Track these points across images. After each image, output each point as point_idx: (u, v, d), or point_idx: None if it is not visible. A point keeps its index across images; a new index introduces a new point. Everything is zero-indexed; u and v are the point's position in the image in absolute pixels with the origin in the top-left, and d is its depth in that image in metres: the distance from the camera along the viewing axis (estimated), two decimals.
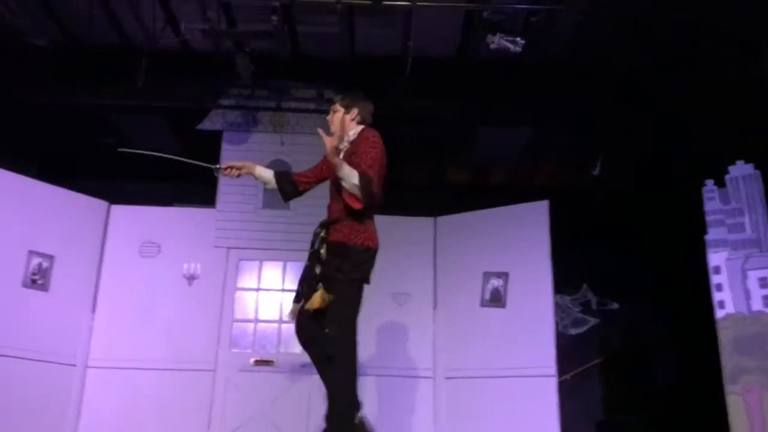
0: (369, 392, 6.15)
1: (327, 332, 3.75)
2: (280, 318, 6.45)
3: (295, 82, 6.93)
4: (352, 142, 4.07)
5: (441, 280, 6.57)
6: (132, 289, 6.36)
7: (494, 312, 6.24)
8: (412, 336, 6.39)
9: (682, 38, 5.79)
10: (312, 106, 6.90)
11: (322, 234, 3.93)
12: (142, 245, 6.52)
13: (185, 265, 6.45)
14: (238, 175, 4.32)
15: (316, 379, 6.08)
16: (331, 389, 3.74)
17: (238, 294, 6.52)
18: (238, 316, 6.46)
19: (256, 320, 6.47)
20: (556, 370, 5.83)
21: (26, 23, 5.68)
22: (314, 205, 6.58)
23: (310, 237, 6.47)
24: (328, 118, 4.23)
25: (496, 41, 5.58)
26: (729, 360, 5.48)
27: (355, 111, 4.17)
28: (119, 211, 6.62)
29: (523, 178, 8.34)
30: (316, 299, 3.78)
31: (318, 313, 3.80)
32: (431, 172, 8.32)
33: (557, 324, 6.38)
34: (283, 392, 6.17)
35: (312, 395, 6.13)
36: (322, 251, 3.88)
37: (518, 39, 5.52)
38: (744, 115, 5.77)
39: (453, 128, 7.34)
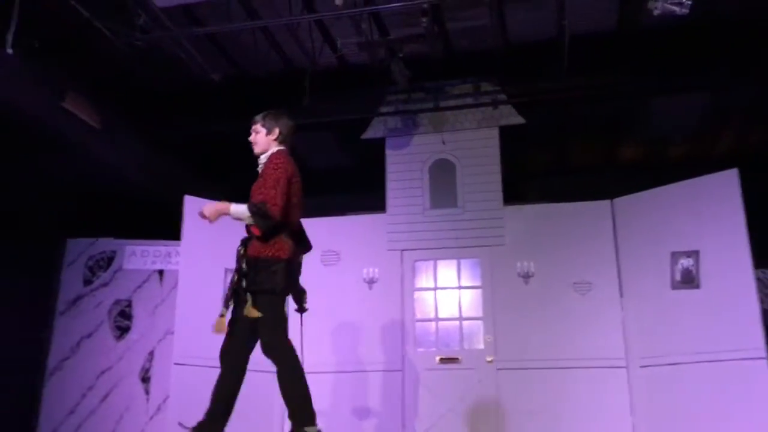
0: (559, 385, 6.02)
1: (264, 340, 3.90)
2: (460, 315, 6.49)
3: (450, 79, 6.94)
4: (264, 164, 4.14)
5: (625, 265, 6.25)
6: (318, 296, 6.68)
7: (687, 294, 5.83)
8: (599, 325, 6.14)
9: None
10: (470, 100, 6.88)
11: (241, 251, 4.03)
12: (323, 254, 6.85)
13: (364, 270, 6.68)
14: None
15: (503, 374, 6.10)
16: (286, 398, 3.89)
17: (417, 294, 6.64)
18: (419, 315, 6.58)
19: (437, 319, 6.56)
20: (766, 351, 5.32)
21: (201, 62, 6.20)
22: (482, 200, 6.60)
23: (480, 233, 6.57)
24: (251, 138, 4.22)
25: (659, 6, 5.20)
26: None
27: (276, 131, 4.18)
28: None
29: (705, 148, 7.73)
30: (249, 309, 3.82)
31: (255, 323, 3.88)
32: (603, 153, 7.96)
33: (762, 301, 5.80)
34: (471, 388, 6.20)
35: (501, 390, 6.11)
36: (243, 266, 3.96)
37: (684, 0, 5.11)
38: None
39: (622, 104, 6.98)
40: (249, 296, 3.85)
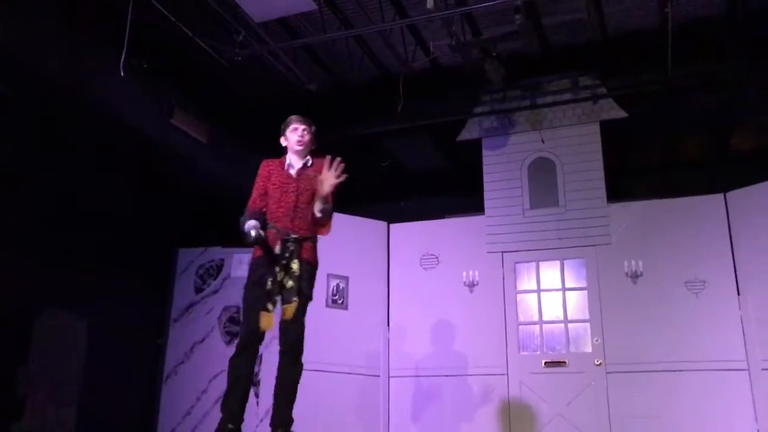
0: (673, 388, 5.74)
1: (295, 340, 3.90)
2: (565, 317, 6.31)
3: (547, 75, 6.78)
4: (311, 166, 4.12)
5: (741, 262, 5.88)
6: (419, 300, 6.72)
7: None
8: (715, 325, 5.79)
9: None
10: (569, 96, 6.69)
11: (292, 248, 3.85)
12: (422, 258, 6.86)
13: (464, 273, 6.64)
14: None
15: (611, 377, 5.88)
16: (289, 396, 3.94)
17: (520, 297, 6.52)
18: (522, 318, 6.45)
19: (541, 321, 6.40)
20: None
21: (298, 72, 6.36)
22: (584, 198, 6.41)
23: (584, 232, 6.37)
24: (306, 139, 4.12)
25: None
26: None
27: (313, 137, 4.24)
28: (397, 229, 7.06)
29: None
30: (290, 310, 3.75)
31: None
32: (713, 144, 7.54)
33: None
34: (578, 392, 6.01)
35: (611, 394, 5.89)
36: (295, 266, 3.82)
37: None
38: None
39: (732, 91, 6.60)
40: (297, 299, 3.83)
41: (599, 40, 6.27)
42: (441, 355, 6.50)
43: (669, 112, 6.98)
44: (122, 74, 5.32)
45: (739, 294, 5.82)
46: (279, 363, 3.97)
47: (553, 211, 6.52)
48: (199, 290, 7.27)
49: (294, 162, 4.15)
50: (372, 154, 7.99)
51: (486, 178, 6.86)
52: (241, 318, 3.94)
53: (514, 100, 6.89)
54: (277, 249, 3.83)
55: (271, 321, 3.75)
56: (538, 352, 6.31)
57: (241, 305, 4.21)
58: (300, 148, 4.14)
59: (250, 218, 3.88)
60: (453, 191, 7.88)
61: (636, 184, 7.25)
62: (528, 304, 6.50)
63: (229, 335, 7.08)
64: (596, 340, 6.09)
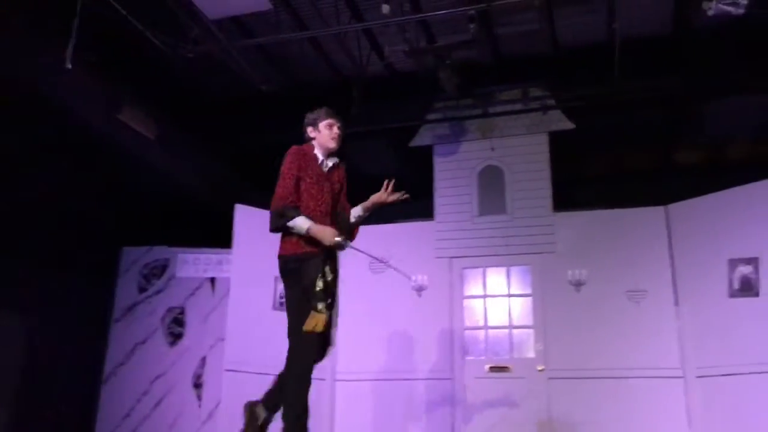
0: (613, 395, 5.88)
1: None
2: (510, 323, 6.42)
3: (499, 85, 6.89)
4: (337, 168, 4.07)
5: (680, 273, 6.08)
6: (367, 304, 6.72)
7: (746, 302, 5.64)
8: (654, 334, 5.97)
9: None
10: (519, 106, 6.81)
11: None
12: (371, 262, 6.85)
13: (413, 277, 6.67)
14: None
15: (555, 384, 6.00)
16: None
17: (466, 302, 6.59)
18: (468, 323, 6.53)
19: (486, 327, 6.49)
20: None
21: (251, 72, 6.30)
22: (531, 206, 6.53)
23: (530, 240, 6.48)
24: (340, 135, 4.04)
25: (714, 6, 5.07)
26: None
27: None
28: None
29: (764, 151, 7.46)
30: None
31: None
32: (657, 157, 7.76)
33: None
34: (522, 398, 6.11)
35: (552, 399, 6.01)
36: (336, 269, 3.86)
37: (740, 0, 4.97)
38: None
39: (677, 107, 6.82)
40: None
41: (550, 52, 6.41)
42: (388, 359, 6.52)
43: (615, 125, 7.17)
44: (69, 67, 5.17)
45: (677, 304, 6.02)
46: None
47: (500, 218, 6.63)
48: (142, 290, 7.12)
49: (324, 159, 3.99)
50: None
51: (437, 184, 6.93)
52: (295, 323, 3.67)
53: (466, 108, 6.98)
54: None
55: (320, 323, 3.59)
56: (483, 357, 6.40)
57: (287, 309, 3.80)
58: (335, 146, 4.01)
59: (296, 213, 3.69)
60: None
61: (582, 195, 7.41)
62: (474, 310, 6.58)
63: (173, 336, 6.95)
64: (539, 346, 6.21)
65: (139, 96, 6.30)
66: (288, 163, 3.82)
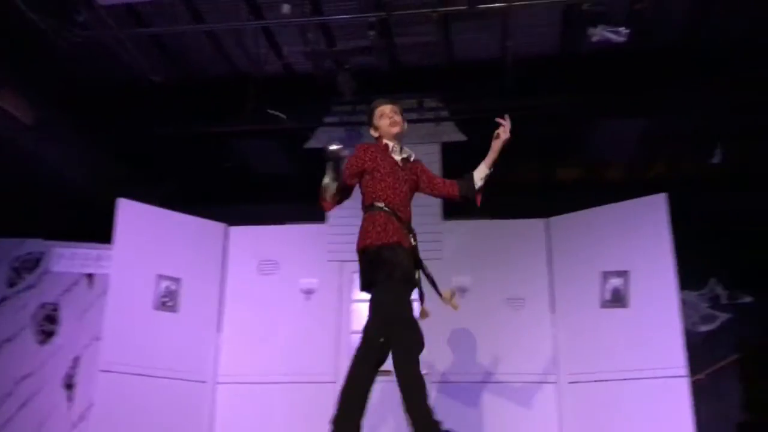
0: (490, 399, 6.09)
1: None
2: None
3: (395, 94, 6.96)
4: (413, 162, 4.19)
5: (557, 283, 6.38)
6: (254, 306, 6.62)
7: (616, 312, 5.99)
8: (531, 341, 6.24)
9: None
10: (414, 115, 6.91)
11: (413, 243, 3.99)
12: (260, 263, 6.77)
13: (302, 281, 6.64)
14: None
15: (436, 388, 6.13)
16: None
17: (354, 306, 6.62)
18: (355, 327, 6.55)
19: None
20: (687, 370, 5.52)
21: (142, 62, 6.08)
22: (421, 214, 6.63)
23: (418, 246, 6.59)
24: (399, 120, 4.16)
25: (598, 33, 5.40)
26: None
27: None
28: (237, 232, 6.92)
29: (640, 172, 7.99)
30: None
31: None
32: (541, 173, 8.14)
33: (685, 322, 6.03)
34: (401, 402, 6.18)
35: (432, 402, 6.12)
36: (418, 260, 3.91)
37: (621, 29, 5.32)
38: None
39: (562, 125, 7.16)
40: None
41: (446, 65, 6.57)
42: (272, 362, 6.43)
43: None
44: None
45: (552, 312, 6.32)
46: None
47: None
48: (12, 284, 6.67)
49: (395, 149, 3.98)
50: (217, 154, 7.80)
51: None
52: (390, 317, 3.68)
53: (362, 114, 7.00)
54: (412, 240, 3.85)
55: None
56: None
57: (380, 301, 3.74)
58: (396, 129, 4.03)
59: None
60: (298, 198, 7.87)
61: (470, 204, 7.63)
62: (362, 314, 6.61)
63: (44, 334, 6.56)
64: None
65: (17, 79, 5.93)
66: (356, 154, 3.98)
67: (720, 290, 6.99)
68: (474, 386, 6.15)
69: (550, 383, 6.12)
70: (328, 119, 7.06)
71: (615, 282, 6.07)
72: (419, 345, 3.77)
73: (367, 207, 4.01)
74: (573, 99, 6.63)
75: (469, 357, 6.23)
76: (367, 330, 3.69)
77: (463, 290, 6.41)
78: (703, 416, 5.93)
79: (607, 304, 6.06)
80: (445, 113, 6.89)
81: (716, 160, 6.72)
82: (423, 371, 6.12)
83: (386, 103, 4.12)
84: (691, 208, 6.46)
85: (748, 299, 6.91)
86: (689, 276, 6.53)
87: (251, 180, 8.24)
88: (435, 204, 6.66)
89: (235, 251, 6.86)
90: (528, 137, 7.40)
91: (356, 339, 6.45)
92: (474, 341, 6.27)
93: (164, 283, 6.31)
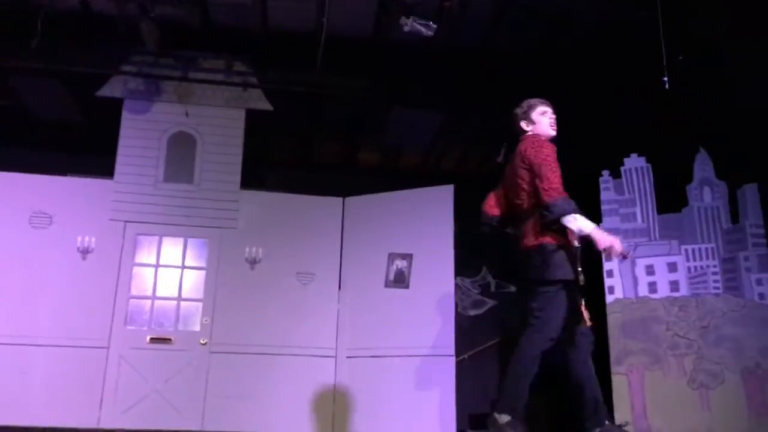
0: (270, 371, 6.13)
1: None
2: (180, 295, 6.28)
3: (203, 52, 6.70)
4: None
5: (347, 261, 6.57)
6: (23, 261, 6.03)
7: (398, 292, 6.32)
8: (316, 316, 6.37)
9: (588, 33, 5.98)
10: (221, 77, 6.70)
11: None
12: (32, 215, 6.17)
13: (79, 238, 6.16)
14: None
15: (214, 357, 6.05)
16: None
17: (136, 270, 6.29)
18: (134, 292, 6.24)
19: (154, 297, 6.26)
20: (454, 349, 5.97)
21: None
22: (219, 180, 6.49)
23: (213, 213, 6.44)
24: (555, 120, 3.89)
25: (409, 24, 5.57)
26: (616, 342, 5.78)
27: None
28: (6, 178, 6.23)
29: (434, 162, 8.44)
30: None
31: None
32: (344, 152, 8.28)
33: (457, 305, 6.53)
34: (180, 371, 6.03)
35: (212, 373, 6.03)
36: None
37: (430, 23, 5.54)
38: (640, 110, 6.05)
39: (366, 109, 7.32)
40: None
41: (259, 30, 6.40)
42: (38, 323, 5.90)
43: (311, 115, 7.47)
44: None
45: (340, 289, 6.49)
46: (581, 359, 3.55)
47: (186, 187, 6.46)
48: None
49: None
50: None
51: (122, 141, 6.48)
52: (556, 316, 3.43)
53: (165, 68, 6.64)
54: (576, 242, 3.51)
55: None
56: (145, 328, 6.16)
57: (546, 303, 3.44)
58: (554, 133, 3.82)
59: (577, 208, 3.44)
60: (82, 148, 7.30)
61: (271, 176, 7.59)
62: (143, 278, 6.31)
63: None
64: (206, 320, 6.20)
65: None
66: (550, 152, 3.61)
67: (490, 278, 7.63)
68: (257, 358, 6.15)
69: (329, 357, 6.29)
70: (125, 68, 6.58)
71: (400, 264, 6.39)
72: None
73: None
74: (379, 84, 6.81)
75: (254, 328, 6.22)
76: None
77: (255, 261, 6.37)
78: (464, 393, 6.47)
79: (390, 284, 6.37)
80: (253, 80, 6.74)
81: (500, 159, 7.28)
82: (202, 341, 6.11)
83: (547, 103, 3.90)
84: (474, 202, 6.95)
85: (512, 288, 7.62)
86: (465, 263, 7.07)
87: (31, 123, 7.45)
88: (234, 172, 6.53)
89: (3, 199, 6.17)
90: (333, 117, 7.55)
91: (135, 304, 6.19)
92: (260, 313, 6.26)
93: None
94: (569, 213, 3.42)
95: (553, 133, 3.85)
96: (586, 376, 3.51)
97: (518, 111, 3.92)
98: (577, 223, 3.41)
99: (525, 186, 3.68)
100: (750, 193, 5.79)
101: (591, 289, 6.30)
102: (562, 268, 3.44)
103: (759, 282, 5.69)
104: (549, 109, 3.88)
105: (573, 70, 6.37)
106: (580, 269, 3.39)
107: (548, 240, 3.50)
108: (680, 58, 5.38)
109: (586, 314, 3.40)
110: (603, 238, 3.37)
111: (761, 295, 5.65)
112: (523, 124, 3.88)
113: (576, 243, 3.48)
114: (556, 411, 6.10)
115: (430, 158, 8.40)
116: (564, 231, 3.49)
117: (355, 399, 6.17)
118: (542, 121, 3.85)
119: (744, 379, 5.48)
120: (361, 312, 6.38)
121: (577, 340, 3.49)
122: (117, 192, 6.34)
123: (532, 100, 3.92)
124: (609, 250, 3.37)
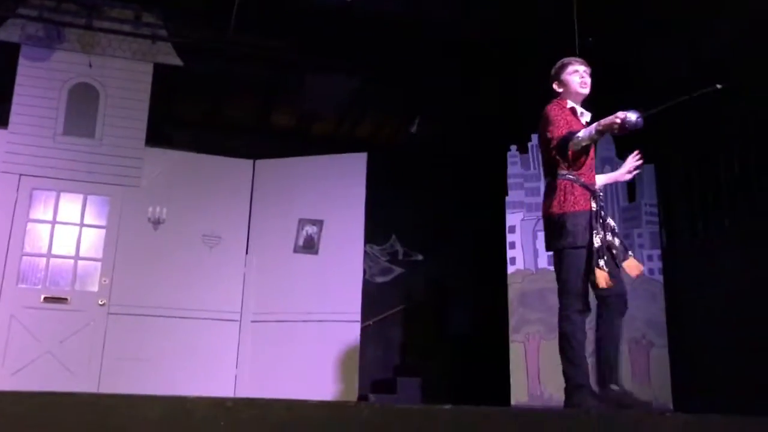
0: (171, 334, 6.02)
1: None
2: (77, 254, 6.03)
3: (110, 0, 6.36)
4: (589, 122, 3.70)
5: (256, 225, 6.50)
6: None
7: (307, 258, 6.32)
8: (222, 279, 6.29)
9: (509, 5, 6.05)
10: (128, 28, 6.39)
11: (602, 204, 3.59)
12: None
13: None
14: None
15: (113, 318, 5.86)
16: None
17: (30, 226, 5.98)
18: (28, 249, 5.94)
19: (50, 255, 5.98)
20: (360, 316, 6.04)
21: None
22: (123, 136, 6.23)
23: (116, 170, 6.18)
24: (589, 82, 3.66)
25: None
26: (515, 311, 6.01)
27: None
28: None
29: (348, 129, 8.37)
30: (634, 266, 3.53)
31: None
32: (256, 115, 8.08)
33: (365, 272, 6.59)
34: (76, 331, 5.82)
35: (109, 335, 5.85)
36: (610, 221, 3.59)
37: None
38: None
39: (281, 70, 7.17)
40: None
41: None
42: None
43: (223, 73, 7.23)
44: None
45: (247, 253, 6.41)
46: (605, 318, 3.47)
47: (87, 142, 6.17)
48: None
49: (584, 114, 3.61)
50: None
51: (18, 89, 6.10)
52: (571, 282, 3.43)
53: (68, 14, 6.26)
54: (594, 205, 3.44)
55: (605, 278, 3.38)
56: (39, 287, 5.89)
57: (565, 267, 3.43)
58: (586, 91, 3.62)
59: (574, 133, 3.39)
60: None
61: (178, 135, 7.32)
62: (38, 235, 6.01)
63: None
64: (104, 281, 5.98)
65: None
66: (557, 112, 3.53)
67: (399, 246, 7.73)
68: (157, 320, 6.02)
69: (234, 321, 6.23)
70: (22, 10, 6.16)
71: (310, 229, 6.37)
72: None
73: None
74: (295, 46, 6.67)
75: (155, 290, 6.07)
76: None
77: (158, 222, 6.19)
78: (367, 358, 6.58)
79: (299, 249, 6.35)
80: (163, 32, 6.46)
81: (413, 130, 7.33)
82: (100, 301, 5.90)
83: (581, 62, 3.63)
84: (386, 170, 6.99)
85: (420, 257, 7.75)
86: (375, 231, 7.12)
87: None
88: (140, 128, 6.29)
89: None
90: (246, 77, 7.34)
91: (28, 262, 5.89)
92: (163, 275, 6.11)
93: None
94: (569, 140, 3.41)
95: (583, 91, 3.65)
96: (609, 336, 3.51)
97: (552, 71, 3.74)
98: (580, 137, 3.38)
99: (545, 154, 3.67)
100: (647, 173, 6.08)
101: (493, 261, 6.57)
102: (567, 237, 3.43)
103: (650, 258, 6.02)
104: (581, 68, 3.66)
105: (492, 42, 6.45)
106: (595, 232, 3.39)
107: (554, 210, 3.51)
108: (590, 39, 5.55)
109: (602, 276, 3.37)
110: (608, 122, 3.29)
111: (651, 271, 5.98)
112: (555, 86, 3.70)
113: (593, 206, 3.46)
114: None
115: (344, 125, 8.32)
116: (573, 198, 3.48)
117: (259, 363, 6.15)
118: (572, 80, 3.65)
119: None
120: (268, 277, 6.33)
121: (608, 300, 3.46)
122: (11, 143, 5.98)
123: (566, 59, 3.72)
124: (624, 123, 3.23)
